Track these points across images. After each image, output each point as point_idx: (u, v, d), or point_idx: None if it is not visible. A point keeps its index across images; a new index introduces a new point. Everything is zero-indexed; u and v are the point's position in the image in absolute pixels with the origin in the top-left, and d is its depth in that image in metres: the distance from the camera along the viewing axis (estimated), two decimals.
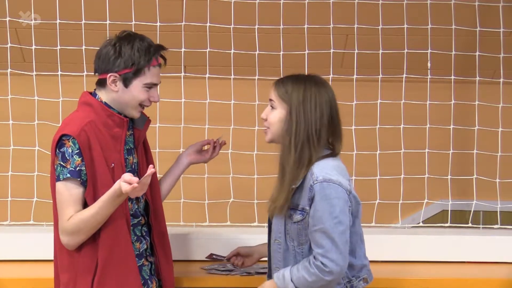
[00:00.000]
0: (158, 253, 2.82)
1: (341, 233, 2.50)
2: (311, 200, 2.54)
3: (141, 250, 2.77)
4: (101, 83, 2.72)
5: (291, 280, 2.54)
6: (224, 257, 3.05)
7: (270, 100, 2.65)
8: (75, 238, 2.59)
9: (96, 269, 2.61)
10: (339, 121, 2.67)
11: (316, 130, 2.58)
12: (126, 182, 2.47)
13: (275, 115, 2.62)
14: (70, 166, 2.58)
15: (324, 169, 2.55)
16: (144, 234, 2.80)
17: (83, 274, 2.63)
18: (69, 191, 2.59)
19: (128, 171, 2.69)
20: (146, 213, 2.83)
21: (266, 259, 2.82)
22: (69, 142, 2.59)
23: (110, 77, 2.66)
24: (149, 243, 2.82)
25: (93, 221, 2.56)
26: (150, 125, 2.88)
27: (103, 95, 2.71)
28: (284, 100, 2.61)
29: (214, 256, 3.09)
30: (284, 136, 2.60)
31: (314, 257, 2.51)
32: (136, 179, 2.47)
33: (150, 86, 2.69)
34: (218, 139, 3.07)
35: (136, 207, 2.76)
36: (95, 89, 2.76)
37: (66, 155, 2.59)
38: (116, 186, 2.52)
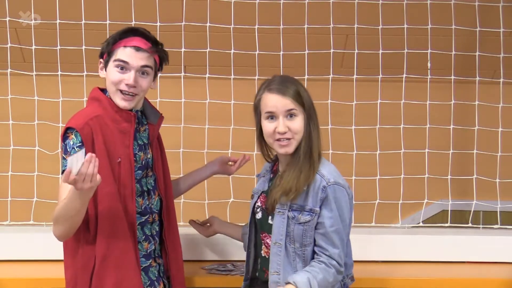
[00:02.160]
0: (168, 250, 2.81)
1: (347, 235, 2.61)
2: (322, 201, 2.56)
3: (148, 251, 2.75)
4: None
5: (317, 284, 2.52)
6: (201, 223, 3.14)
7: (290, 110, 2.58)
8: (56, 228, 2.56)
9: (94, 266, 2.61)
10: None
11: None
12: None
13: (299, 122, 2.59)
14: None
15: (331, 172, 2.60)
16: (154, 234, 2.78)
17: (82, 271, 2.63)
18: (65, 185, 2.54)
19: (139, 167, 2.70)
20: (160, 212, 2.82)
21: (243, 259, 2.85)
22: (72, 134, 2.59)
23: (99, 64, 2.72)
24: (158, 243, 2.81)
25: (65, 213, 2.50)
26: None
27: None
28: (301, 104, 2.60)
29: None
30: (306, 139, 2.60)
31: (330, 257, 2.55)
32: (70, 169, 2.36)
33: (120, 65, 2.65)
34: (244, 155, 3.15)
35: (147, 203, 2.74)
36: None
37: (68, 148, 2.59)
38: None
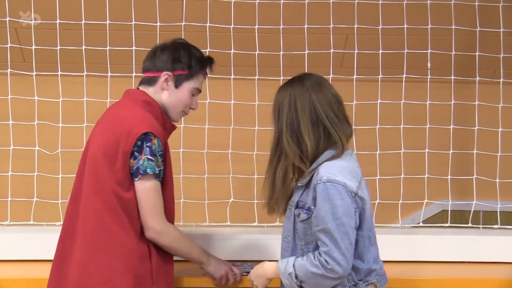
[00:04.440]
0: None
1: (344, 234, 2.51)
2: (315, 199, 2.55)
3: None
4: (150, 82, 2.81)
5: (293, 265, 2.56)
6: None
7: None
8: (165, 241, 2.73)
9: (151, 256, 2.71)
10: (339, 117, 2.63)
11: (292, 126, 2.59)
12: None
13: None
14: (159, 167, 2.69)
15: (331, 170, 2.55)
16: None
17: (141, 263, 2.70)
18: (159, 190, 2.70)
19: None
20: None
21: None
22: (154, 139, 2.67)
23: (164, 75, 2.78)
24: None
25: (181, 251, 2.81)
26: None
27: (157, 96, 2.80)
28: (272, 110, 2.68)
29: None
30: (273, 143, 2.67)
31: (319, 253, 2.53)
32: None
33: (196, 92, 2.84)
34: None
35: None
36: (137, 88, 2.84)
37: (154, 151, 2.66)
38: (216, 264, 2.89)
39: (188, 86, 2.82)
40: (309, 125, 2.58)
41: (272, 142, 2.65)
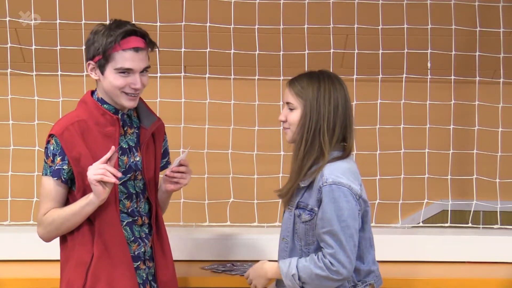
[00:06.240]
0: (156, 256, 2.77)
1: (349, 236, 2.53)
2: (320, 201, 2.55)
3: (136, 253, 2.72)
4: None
5: (296, 267, 2.55)
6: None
7: (288, 103, 2.64)
8: (48, 232, 2.68)
9: (91, 263, 2.63)
10: (352, 118, 2.66)
11: (329, 123, 2.59)
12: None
13: (295, 115, 2.62)
14: (53, 165, 2.63)
15: (335, 172, 2.55)
16: (144, 236, 2.75)
17: (77, 267, 2.64)
18: (47, 188, 2.66)
19: (123, 172, 2.66)
20: (150, 216, 2.79)
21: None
22: (52, 140, 2.63)
23: (88, 65, 2.66)
24: (150, 247, 2.77)
25: (64, 221, 2.63)
26: None
27: (98, 88, 2.70)
28: (301, 97, 2.61)
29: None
30: (299, 131, 2.61)
31: (323, 255, 2.53)
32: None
33: (123, 71, 2.62)
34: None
35: (135, 206, 2.72)
36: None
37: (48, 152, 2.63)
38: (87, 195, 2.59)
39: (110, 68, 2.60)
40: (341, 123, 2.60)
41: (306, 131, 2.59)
